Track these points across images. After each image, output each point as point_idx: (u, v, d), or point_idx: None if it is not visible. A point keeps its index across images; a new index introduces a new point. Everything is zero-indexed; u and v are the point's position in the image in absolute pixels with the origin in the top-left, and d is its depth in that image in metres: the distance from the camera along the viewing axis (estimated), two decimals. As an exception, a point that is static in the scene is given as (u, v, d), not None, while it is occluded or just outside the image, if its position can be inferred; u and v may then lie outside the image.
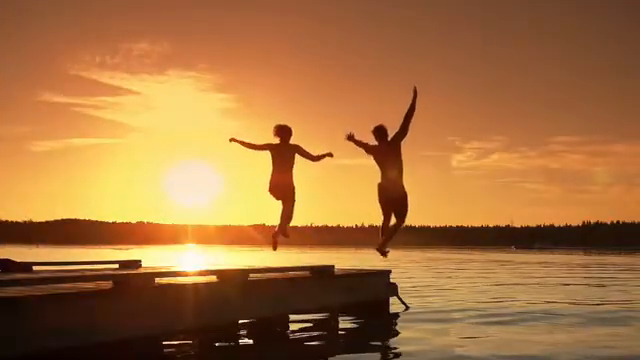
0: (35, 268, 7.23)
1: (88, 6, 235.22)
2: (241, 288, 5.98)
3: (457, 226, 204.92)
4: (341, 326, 7.31)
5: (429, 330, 7.03)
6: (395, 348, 6.19)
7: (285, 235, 7.95)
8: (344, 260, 31.20)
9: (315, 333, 6.94)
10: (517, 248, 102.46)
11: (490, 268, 25.15)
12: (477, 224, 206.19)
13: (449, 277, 17.92)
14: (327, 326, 7.28)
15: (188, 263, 20.08)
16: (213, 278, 5.94)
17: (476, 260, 36.29)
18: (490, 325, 7.47)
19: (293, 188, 7.77)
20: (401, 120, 7.95)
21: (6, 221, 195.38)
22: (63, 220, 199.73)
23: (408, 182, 8.12)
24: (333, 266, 7.68)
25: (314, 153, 7.86)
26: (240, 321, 6.43)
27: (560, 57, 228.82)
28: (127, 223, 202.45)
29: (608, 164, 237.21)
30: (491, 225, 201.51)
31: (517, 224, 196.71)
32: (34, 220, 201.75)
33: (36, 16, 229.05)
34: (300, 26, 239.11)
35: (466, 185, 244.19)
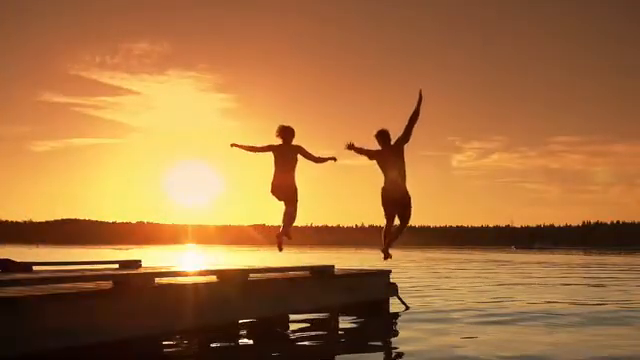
0: (35, 268, 7.22)
1: (88, 6, 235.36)
2: (241, 288, 5.98)
3: (457, 226, 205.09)
4: (341, 326, 7.31)
5: (429, 330, 7.03)
6: (395, 348, 6.19)
7: (288, 236, 7.96)
8: (344, 260, 31.20)
9: (315, 333, 6.94)
10: (517, 248, 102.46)
11: (490, 268, 25.15)
12: (477, 224, 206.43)
13: (449, 277, 17.92)
14: (327, 326, 7.28)
15: (188, 263, 20.08)
16: (213, 278, 5.94)
17: (476, 260, 36.29)
18: (490, 325, 7.47)
19: (295, 189, 7.76)
20: (405, 124, 7.97)
21: (6, 221, 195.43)
22: (63, 220, 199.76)
23: (408, 182, 8.13)
24: (333, 266, 7.67)
25: (316, 154, 7.86)
26: (240, 321, 6.42)
27: (560, 57, 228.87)
28: (127, 223, 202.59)
29: (608, 164, 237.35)
30: (491, 225, 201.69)
31: (517, 224, 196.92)
32: (34, 220, 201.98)
33: (36, 16, 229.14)
34: (300, 26, 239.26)
35: (466, 185, 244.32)
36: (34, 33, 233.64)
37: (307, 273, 7.21)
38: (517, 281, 16.18)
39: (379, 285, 8.48)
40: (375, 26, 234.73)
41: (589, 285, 14.99)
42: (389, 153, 8.02)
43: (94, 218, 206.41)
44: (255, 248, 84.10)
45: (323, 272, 7.33)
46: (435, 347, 5.99)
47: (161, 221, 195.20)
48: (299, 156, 7.74)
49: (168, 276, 5.79)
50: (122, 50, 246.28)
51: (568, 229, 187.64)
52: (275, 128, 7.79)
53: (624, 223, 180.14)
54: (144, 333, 4.93)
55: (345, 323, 7.49)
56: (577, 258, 42.99)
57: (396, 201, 8.06)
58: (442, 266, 26.58)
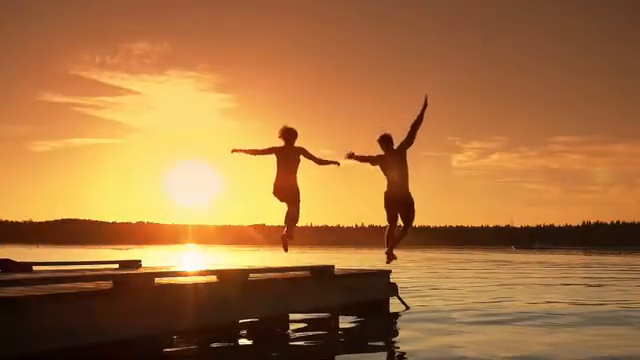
0: (35, 268, 7.22)
1: (88, 6, 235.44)
2: (241, 288, 5.97)
3: (457, 226, 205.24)
4: (341, 326, 7.31)
5: (429, 330, 7.03)
6: (395, 348, 6.19)
7: (290, 237, 7.97)
8: (344, 260, 31.18)
9: (315, 333, 6.94)
10: (517, 248, 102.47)
11: (490, 268, 25.14)
12: (477, 224, 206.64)
13: (449, 277, 17.92)
14: (327, 326, 7.28)
15: (188, 263, 20.08)
16: (213, 278, 5.94)
17: (476, 260, 36.28)
18: (490, 325, 7.47)
19: (297, 190, 7.76)
20: (408, 129, 8.01)
21: (6, 221, 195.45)
22: (63, 220, 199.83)
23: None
24: (333, 266, 7.67)
25: (318, 156, 7.85)
26: (240, 321, 6.42)
27: (560, 57, 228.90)
28: (127, 223, 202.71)
29: (608, 164, 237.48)
30: (491, 225, 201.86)
31: (517, 224, 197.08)
32: (34, 220, 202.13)
33: (36, 16, 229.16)
34: (300, 26, 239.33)
35: (466, 185, 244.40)
36: (34, 33, 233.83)
37: (307, 273, 7.21)
38: (517, 281, 16.17)
39: (379, 285, 8.48)
40: (375, 26, 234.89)
41: (589, 285, 14.99)
42: (392, 157, 8.05)
43: (94, 218, 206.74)
44: (255, 248, 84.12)
45: (323, 272, 7.33)
46: (435, 347, 5.99)
47: (161, 221, 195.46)
48: (301, 157, 7.74)
49: (168, 276, 5.79)
50: (122, 50, 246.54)
51: (568, 229, 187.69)
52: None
53: (624, 223, 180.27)
54: (144, 333, 4.93)
55: (345, 323, 7.49)
56: (577, 258, 42.98)
57: (399, 204, 8.10)
58: (442, 266, 26.58)
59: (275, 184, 7.69)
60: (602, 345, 6.19)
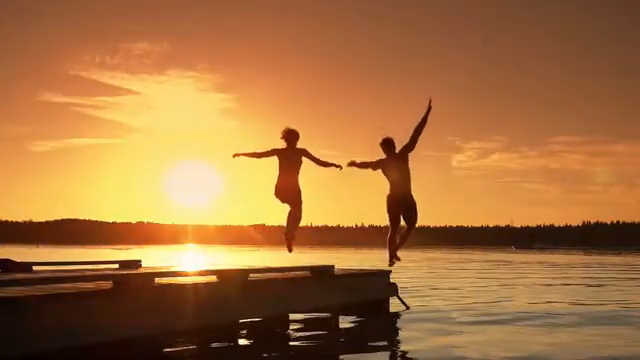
0: (35, 268, 7.22)
1: (88, 6, 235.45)
2: (241, 288, 5.97)
3: (457, 226, 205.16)
4: (341, 326, 7.31)
5: (429, 330, 7.03)
6: (395, 348, 6.19)
7: (292, 238, 7.99)
8: (344, 260, 31.18)
9: (315, 333, 6.94)
10: (517, 248, 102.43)
11: (490, 268, 25.15)
12: (477, 224, 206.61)
13: (449, 277, 17.92)
14: (327, 326, 7.28)
15: (188, 263, 20.08)
16: (213, 278, 5.94)
17: (476, 260, 36.29)
18: (490, 325, 7.47)
19: (299, 191, 7.77)
20: (411, 131, 8.05)
21: (6, 221, 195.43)
22: (63, 220, 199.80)
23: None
24: (333, 266, 7.67)
25: (321, 158, 7.86)
26: (240, 321, 6.42)
27: (560, 57, 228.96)
28: (127, 223, 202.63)
29: (608, 164, 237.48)
30: (491, 225, 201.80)
31: (517, 224, 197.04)
32: (34, 220, 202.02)
33: (36, 16, 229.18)
34: (300, 26, 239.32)
35: (466, 185, 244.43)
36: (34, 33, 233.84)
37: (307, 273, 7.21)
38: (517, 281, 16.18)
39: (379, 285, 8.48)
40: (375, 26, 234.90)
41: (589, 285, 14.99)
42: (394, 160, 8.09)
43: (94, 218, 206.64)
44: (255, 248, 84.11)
45: (323, 272, 7.33)
46: (435, 347, 5.99)
47: (161, 221, 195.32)
48: (303, 159, 7.74)
49: (168, 276, 5.79)
50: (122, 50, 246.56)
51: (568, 229, 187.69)
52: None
53: (624, 223, 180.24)
54: (144, 333, 4.93)
55: (345, 323, 7.49)
56: (577, 258, 42.99)
57: (401, 207, 8.15)
58: (442, 266, 26.58)
59: (277, 185, 7.69)
60: (602, 345, 6.19)
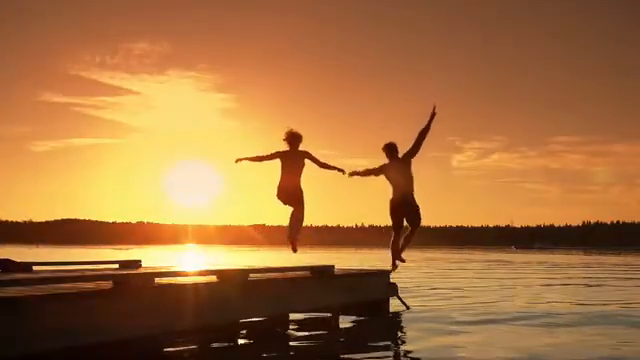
0: (35, 268, 7.22)
1: (88, 6, 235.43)
2: (241, 288, 5.97)
3: (457, 226, 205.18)
4: (341, 326, 7.31)
5: (429, 330, 7.03)
6: (395, 348, 6.19)
7: (295, 239, 8.03)
8: (344, 260, 31.18)
9: (315, 333, 6.94)
10: (517, 248, 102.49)
11: (490, 268, 25.15)
12: (477, 224, 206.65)
13: (449, 277, 17.92)
14: (327, 326, 7.28)
15: (188, 263, 20.08)
16: (213, 278, 5.94)
17: (476, 260, 36.29)
18: (490, 325, 7.47)
19: (301, 193, 7.78)
20: (415, 136, 8.11)
21: (6, 221, 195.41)
22: (63, 220, 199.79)
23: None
24: (333, 266, 7.67)
25: (323, 160, 7.87)
26: (240, 321, 6.42)
27: (560, 57, 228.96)
28: (127, 223, 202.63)
29: (608, 164, 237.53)
30: (491, 225, 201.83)
31: (517, 224, 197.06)
32: (34, 220, 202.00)
33: (36, 16, 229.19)
34: (300, 26, 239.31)
35: (466, 185, 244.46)
36: (34, 33, 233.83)
37: (307, 273, 7.21)
38: (517, 281, 16.18)
39: (379, 285, 8.48)
40: (375, 26, 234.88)
41: (589, 285, 14.99)
42: (397, 165, 8.17)
43: (94, 218, 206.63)
44: (255, 248, 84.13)
45: (323, 272, 7.33)
46: (435, 347, 5.99)
47: (161, 221, 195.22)
48: (306, 161, 7.76)
49: (168, 276, 5.79)
50: (122, 50, 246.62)
51: (568, 229, 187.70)
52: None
53: (624, 223, 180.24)
54: (144, 333, 4.93)
55: (345, 323, 7.49)
56: (577, 258, 42.99)
57: (404, 211, 8.23)
58: (442, 266, 26.58)
59: (279, 187, 7.71)
60: (602, 345, 6.19)
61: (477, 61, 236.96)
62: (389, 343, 6.54)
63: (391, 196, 8.25)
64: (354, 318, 7.89)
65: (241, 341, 6.20)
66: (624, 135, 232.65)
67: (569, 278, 18.26)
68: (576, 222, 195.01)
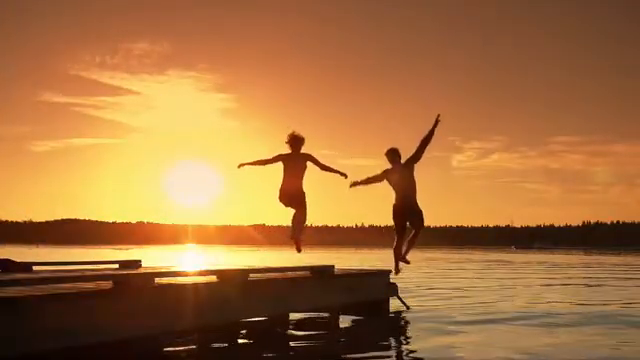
0: (35, 268, 7.22)
1: (88, 6, 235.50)
2: (241, 288, 5.97)
3: (457, 226, 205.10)
4: (341, 326, 7.31)
5: (429, 330, 7.03)
6: (395, 348, 6.19)
7: (298, 241, 8.05)
8: (344, 260, 31.19)
9: (315, 333, 6.94)
10: (517, 248, 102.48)
11: (490, 268, 25.15)
12: (477, 224, 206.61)
13: (449, 277, 17.92)
14: (327, 326, 7.28)
15: (188, 263, 20.08)
16: (213, 278, 5.94)
17: (476, 260, 36.29)
18: (490, 325, 7.47)
19: (303, 195, 7.79)
20: (417, 145, 8.19)
21: (6, 221, 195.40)
22: (63, 220, 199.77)
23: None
24: (333, 266, 7.68)
25: (325, 163, 7.88)
26: (240, 321, 6.42)
27: (560, 57, 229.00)
28: (127, 223, 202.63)
29: (608, 164, 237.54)
30: (491, 225, 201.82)
31: (517, 224, 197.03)
32: (34, 220, 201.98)
33: (36, 16, 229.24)
34: (300, 26, 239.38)
35: (466, 185, 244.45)
36: (34, 33, 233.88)
37: (307, 273, 7.21)
38: (517, 281, 16.17)
39: (379, 285, 8.48)
40: (375, 26, 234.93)
41: (589, 285, 14.99)
42: (399, 171, 8.23)
43: (94, 218, 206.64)
44: (255, 248, 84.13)
45: (323, 272, 7.33)
46: (435, 347, 5.99)
47: (161, 221, 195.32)
48: (308, 164, 7.78)
49: (168, 276, 5.79)
50: (122, 50, 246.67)
51: (568, 229, 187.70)
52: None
53: (624, 223, 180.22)
54: (144, 333, 4.93)
55: (345, 323, 7.49)
56: (577, 258, 42.99)
57: (407, 216, 8.29)
58: (442, 266, 26.58)
59: (281, 189, 7.73)
60: (602, 345, 6.19)
61: (477, 61, 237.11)
62: (389, 343, 6.54)
63: (394, 201, 8.33)
64: (354, 318, 7.89)
65: (241, 341, 6.20)
66: (624, 135, 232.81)
67: (569, 278, 18.26)
68: (576, 222, 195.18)
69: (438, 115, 8.15)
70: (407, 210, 8.24)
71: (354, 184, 8.36)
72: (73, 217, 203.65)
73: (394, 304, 8.73)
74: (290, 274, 7.10)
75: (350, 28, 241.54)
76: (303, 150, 7.80)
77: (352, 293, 7.76)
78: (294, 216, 7.85)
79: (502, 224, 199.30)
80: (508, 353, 5.64)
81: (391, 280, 8.75)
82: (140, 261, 8.28)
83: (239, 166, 7.77)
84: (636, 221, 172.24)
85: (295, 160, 7.71)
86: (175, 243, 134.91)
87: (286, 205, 7.81)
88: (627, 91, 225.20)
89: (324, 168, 7.84)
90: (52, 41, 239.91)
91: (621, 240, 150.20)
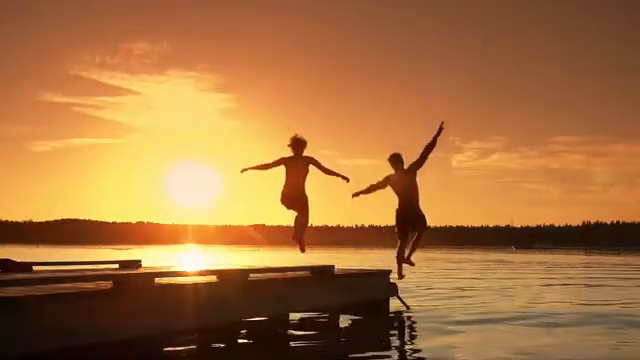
0: (35, 268, 7.22)
1: (88, 6, 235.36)
2: (241, 288, 5.97)
3: (457, 226, 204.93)
4: (341, 326, 7.31)
5: (429, 330, 7.03)
6: (395, 348, 6.20)
7: (300, 242, 8.06)
8: (344, 260, 31.20)
9: (315, 333, 6.94)
10: (517, 248, 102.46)
11: (490, 268, 25.15)
12: (477, 224, 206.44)
13: (449, 277, 17.92)
14: (327, 326, 7.28)
15: (188, 263, 20.08)
16: (213, 278, 5.94)
17: (476, 260, 36.30)
18: (490, 325, 7.47)
19: (306, 198, 7.81)
20: (420, 150, 8.27)
21: (6, 221, 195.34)
22: (63, 220, 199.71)
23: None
24: (333, 266, 7.68)
25: (327, 166, 7.89)
26: (240, 321, 6.42)
27: (560, 57, 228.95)
28: (127, 223, 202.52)
29: (608, 164, 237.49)
30: (491, 225, 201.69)
31: (517, 224, 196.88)
32: (34, 220, 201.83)
33: (36, 16, 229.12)
34: (300, 26, 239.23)
35: (466, 185, 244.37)
36: (34, 33, 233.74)
37: (307, 273, 7.21)
38: (517, 281, 16.17)
39: (379, 285, 8.48)
40: (375, 26, 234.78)
41: (589, 285, 14.99)
42: (402, 176, 8.29)
43: (94, 218, 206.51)
44: (255, 248, 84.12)
45: (323, 272, 7.34)
46: (435, 347, 5.99)
47: (161, 221, 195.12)
48: (310, 167, 7.79)
49: (168, 276, 5.79)
50: (122, 50, 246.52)
51: (568, 229, 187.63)
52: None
53: (624, 223, 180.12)
54: (144, 333, 4.93)
55: (345, 323, 7.49)
56: (577, 258, 43.00)
57: (409, 221, 8.35)
58: (442, 266, 26.58)
59: (283, 193, 7.75)
60: (602, 345, 6.19)
61: (477, 61, 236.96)
62: (389, 343, 6.54)
63: (397, 206, 8.39)
64: (354, 318, 7.89)
65: (241, 341, 6.20)
66: (624, 135, 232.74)
67: (569, 278, 18.26)
68: (576, 222, 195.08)
69: (442, 123, 8.24)
70: (410, 215, 8.33)
71: (356, 194, 8.44)
72: (73, 217, 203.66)
73: (394, 304, 8.73)
74: (290, 274, 7.10)
75: (350, 28, 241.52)
76: (305, 153, 7.83)
77: (352, 293, 7.76)
78: (296, 218, 7.87)
79: (502, 224, 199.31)
80: (508, 353, 5.64)
81: (391, 280, 8.75)
82: (140, 261, 8.28)
83: (242, 171, 7.79)
84: (636, 221, 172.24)
85: (297, 163, 7.73)
86: (175, 243, 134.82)
87: (288, 208, 7.84)
88: (627, 91, 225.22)
89: (326, 172, 7.85)
90: (52, 41, 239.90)
91: (621, 240, 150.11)
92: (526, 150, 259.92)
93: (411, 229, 8.52)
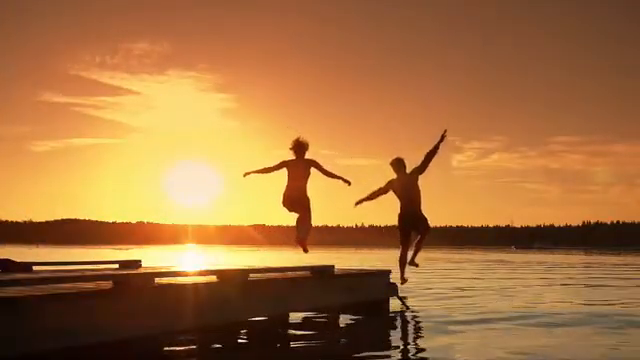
0: (35, 268, 7.22)
1: (88, 6, 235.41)
2: (241, 288, 5.97)
3: (457, 226, 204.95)
4: (341, 326, 7.31)
5: (429, 330, 7.03)
6: (395, 348, 6.19)
7: (302, 244, 8.08)
8: (344, 260, 31.19)
9: (315, 333, 6.94)
10: (517, 248, 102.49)
11: (490, 268, 25.15)
12: (477, 224, 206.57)
13: (449, 277, 17.92)
14: (327, 326, 7.28)
15: (188, 263, 20.07)
16: (213, 278, 5.94)
17: (476, 260, 36.29)
18: (490, 325, 7.47)
19: (308, 201, 7.83)
20: (422, 157, 8.34)
21: (6, 221, 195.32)
22: (63, 220, 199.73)
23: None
24: (333, 266, 7.67)
25: (329, 169, 7.91)
26: (240, 321, 6.42)
27: (560, 57, 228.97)
28: (127, 223, 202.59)
29: (608, 164, 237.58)
30: (491, 225, 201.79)
31: (517, 224, 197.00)
32: (34, 220, 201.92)
33: (36, 16, 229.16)
34: (300, 26, 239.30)
35: (466, 185, 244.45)
36: (34, 33, 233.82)
37: (307, 273, 7.21)
38: (517, 281, 16.17)
39: (379, 285, 8.48)
40: (375, 26, 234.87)
41: (589, 285, 14.99)
42: (404, 181, 8.33)
43: (94, 218, 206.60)
44: (255, 248, 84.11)
45: (323, 272, 7.33)
46: (435, 347, 5.99)
47: (161, 221, 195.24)
48: (312, 169, 7.81)
49: (168, 276, 5.79)
50: (122, 50, 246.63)
51: (568, 229, 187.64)
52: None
53: (624, 223, 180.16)
54: (144, 333, 4.93)
55: (345, 323, 7.49)
56: (577, 258, 42.99)
57: (412, 225, 8.41)
58: (442, 266, 26.57)
59: (284, 195, 7.76)
60: (602, 345, 6.19)
61: (477, 61, 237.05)
62: (389, 343, 6.53)
63: (399, 210, 8.42)
64: (354, 318, 7.89)
65: (241, 341, 6.20)
66: (624, 135, 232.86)
67: (569, 278, 18.26)
68: (576, 222, 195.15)
69: (445, 131, 8.29)
70: (412, 219, 8.37)
71: (359, 202, 8.49)
72: (73, 217, 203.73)
73: (394, 304, 8.73)
74: (290, 274, 7.10)
75: (350, 28, 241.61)
76: (307, 155, 7.84)
77: (352, 293, 7.76)
78: (298, 219, 7.89)
79: (502, 224, 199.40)
80: (508, 353, 5.64)
81: (391, 280, 8.75)
82: (140, 261, 8.28)
83: (245, 175, 7.82)
84: (636, 221, 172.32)
85: (299, 166, 7.75)
86: (175, 243, 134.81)
87: (289, 210, 7.86)
88: (627, 91, 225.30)
89: (328, 174, 7.86)
90: (52, 41, 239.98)
91: (621, 240, 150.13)
92: (526, 150, 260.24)
93: (414, 232, 8.56)
